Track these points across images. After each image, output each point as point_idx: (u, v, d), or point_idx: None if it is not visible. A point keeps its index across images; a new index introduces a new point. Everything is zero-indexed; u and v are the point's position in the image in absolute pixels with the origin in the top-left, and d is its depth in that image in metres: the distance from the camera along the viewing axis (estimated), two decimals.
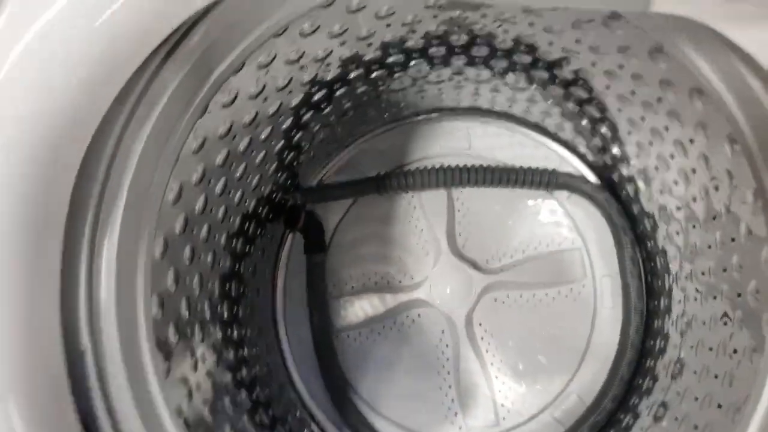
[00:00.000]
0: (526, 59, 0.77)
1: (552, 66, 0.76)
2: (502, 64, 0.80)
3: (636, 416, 0.84)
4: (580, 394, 0.95)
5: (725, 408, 0.60)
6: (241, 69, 0.58)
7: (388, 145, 1.03)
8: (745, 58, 0.47)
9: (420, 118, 1.02)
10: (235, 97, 0.62)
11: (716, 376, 0.65)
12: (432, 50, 0.78)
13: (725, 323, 0.66)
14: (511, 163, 0.98)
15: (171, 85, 0.48)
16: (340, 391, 0.95)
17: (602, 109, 0.79)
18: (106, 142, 0.46)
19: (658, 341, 0.87)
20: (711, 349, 0.69)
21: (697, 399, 0.68)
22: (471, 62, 0.81)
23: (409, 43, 0.75)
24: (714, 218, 0.66)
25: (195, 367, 0.66)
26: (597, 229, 0.98)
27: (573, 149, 0.99)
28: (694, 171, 0.66)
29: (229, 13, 0.49)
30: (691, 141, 0.64)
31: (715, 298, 0.69)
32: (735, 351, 0.61)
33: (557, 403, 0.95)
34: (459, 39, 0.74)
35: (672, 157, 0.70)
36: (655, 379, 0.84)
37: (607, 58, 0.67)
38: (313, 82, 0.75)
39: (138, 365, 0.50)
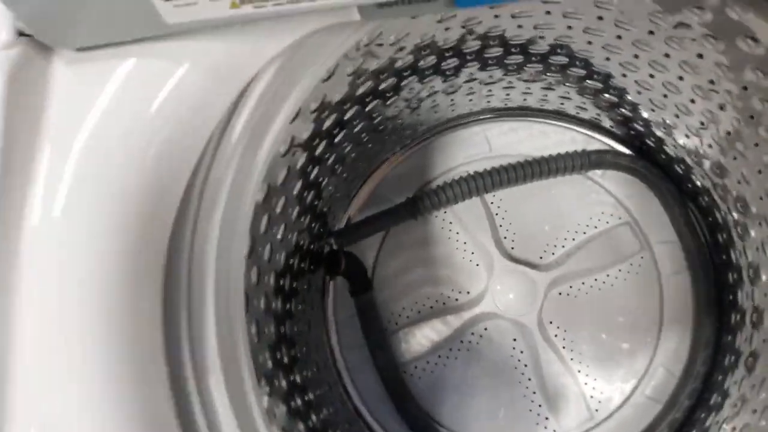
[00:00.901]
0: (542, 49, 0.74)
1: (565, 49, 0.74)
2: (517, 59, 0.77)
3: (730, 372, 0.81)
4: (666, 366, 0.91)
5: None
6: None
7: (408, 168, 1.00)
8: None
9: (435, 133, 0.99)
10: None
11: None
12: (444, 63, 0.75)
13: None
14: (537, 155, 0.95)
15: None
16: (420, 426, 0.91)
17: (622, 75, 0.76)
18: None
19: (733, 295, 0.84)
20: None
21: None
22: (484, 66, 0.78)
23: (421, 63, 0.72)
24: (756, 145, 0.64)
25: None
26: (641, 199, 0.95)
27: (597, 126, 0.96)
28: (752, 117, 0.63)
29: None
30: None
31: None
32: None
33: (646, 381, 0.91)
34: (472, 45, 0.71)
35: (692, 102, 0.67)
36: (737, 329, 0.81)
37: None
38: (322, 105, 0.71)
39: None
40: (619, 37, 0.67)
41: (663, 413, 0.89)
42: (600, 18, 0.65)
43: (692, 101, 0.70)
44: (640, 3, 0.59)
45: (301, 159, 0.74)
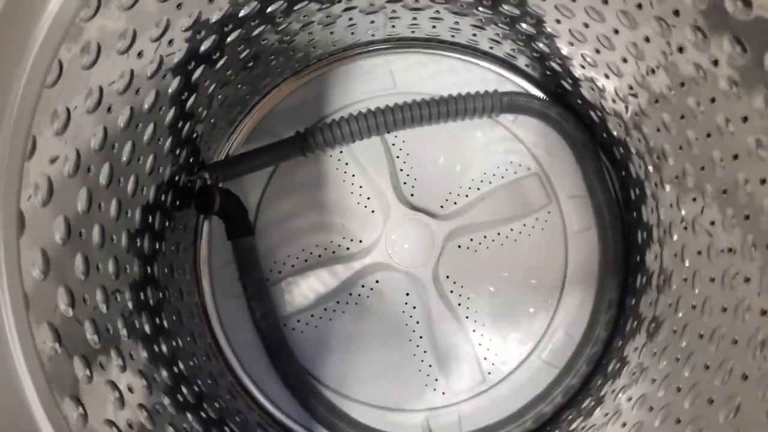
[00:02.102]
0: None
1: None
2: None
3: (631, 338, 0.77)
4: (566, 329, 0.86)
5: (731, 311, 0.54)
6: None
7: (301, 100, 0.90)
8: None
9: (333, 61, 0.89)
10: (98, 54, 0.47)
11: (712, 280, 0.59)
12: None
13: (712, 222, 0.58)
14: (445, 94, 0.86)
15: None
16: (301, 386, 0.83)
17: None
18: None
19: (641, 255, 0.79)
20: (699, 252, 0.62)
21: (694, 307, 0.62)
22: None
23: None
24: (682, 84, 0.57)
25: (122, 404, 0.52)
26: (552, 149, 0.89)
27: (511, 65, 0.88)
28: (681, 50, 0.56)
29: None
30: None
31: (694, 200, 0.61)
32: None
33: (544, 344, 0.87)
34: None
35: (647, 40, 0.59)
36: (642, 292, 0.77)
37: None
38: (197, 24, 0.59)
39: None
40: None
41: (559, 378, 0.84)
42: None
43: (616, 31, 0.62)
44: None
45: (173, 84, 0.62)
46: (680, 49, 0.55)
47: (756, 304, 0.51)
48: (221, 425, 0.71)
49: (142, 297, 0.64)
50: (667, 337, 0.68)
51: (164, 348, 0.67)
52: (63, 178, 0.47)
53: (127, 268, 0.61)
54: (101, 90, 0.50)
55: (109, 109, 0.52)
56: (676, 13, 0.52)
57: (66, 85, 0.44)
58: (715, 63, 0.50)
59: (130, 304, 0.60)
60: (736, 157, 0.52)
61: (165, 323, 0.69)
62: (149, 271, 0.67)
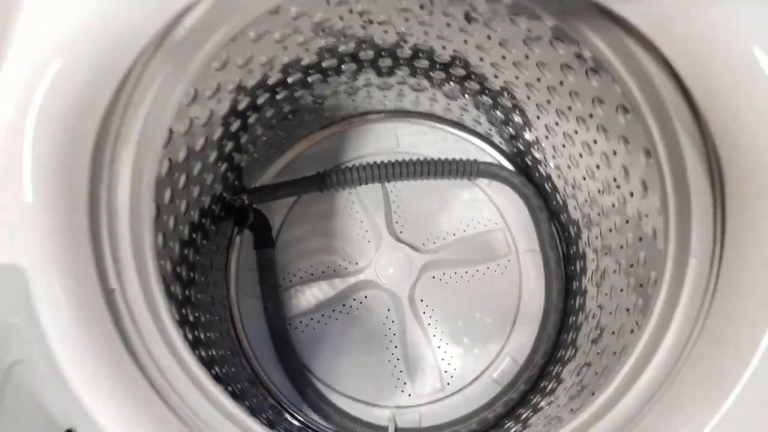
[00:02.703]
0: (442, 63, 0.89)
1: (466, 65, 0.89)
2: (424, 65, 0.92)
3: (564, 365, 0.96)
4: (513, 356, 1.06)
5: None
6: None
7: (324, 149, 1.13)
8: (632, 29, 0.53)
9: (353, 121, 1.13)
10: (195, 97, 0.71)
11: (628, 311, 0.77)
12: (361, 54, 0.89)
13: (631, 265, 0.78)
14: (436, 157, 1.10)
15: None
16: (297, 373, 1.02)
17: (512, 97, 0.91)
18: None
19: (578, 299, 1.00)
20: (622, 290, 0.81)
21: (613, 333, 0.80)
22: (396, 66, 0.92)
23: (341, 48, 0.86)
24: (614, 180, 0.79)
25: None
26: (517, 210, 1.10)
27: (489, 141, 1.12)
28: (595, 141, 0.79)
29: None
30: (591, 116, 0.77)
31: (621, 247, 0.82)
32: (641, 285, 0.73)
33: (494, 366, 1.06)
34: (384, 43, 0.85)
35: (576, 132, 0.83)
36: (578, 330, 0.96)
37: (515, 50, 0.79)
38: (258, 85, 0.84)
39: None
40: (503, 57, 0.82)
41: (502, 393, 1.04)
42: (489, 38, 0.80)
43: (557, 123, 0.86)
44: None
45: (234, 125, 0.86)
46: (614, 153, 0.77)
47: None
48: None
49: (191, 275, 0.85)
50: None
51: (191, 316, 0.87)
52: (160, 177, 0.70)
53: (184, 252, 0.83)
54: (192, 121, 0.74)
55: (192, 135, 0.76)
56: (625, 140, 0.76)
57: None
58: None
59: (184, 277, 0.82)
60: (640, 239, 0.72)
61: (193, 296, 0.89)
62: (196, 257, 0.89)
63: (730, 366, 0.46)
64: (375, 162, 1.07)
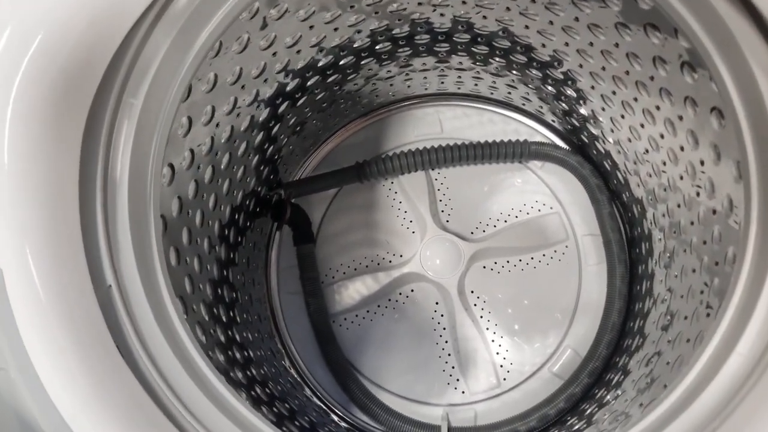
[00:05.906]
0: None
1: (510, 35, 0.82)
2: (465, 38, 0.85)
3: (631, 356, 0.88)
4: (574, 347, 0.98)
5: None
6: (218, 52, 0.63)
7: (363, 138, 1.08)
8: None
9: (392, 108, 1.07)
10: (215, 84, 0.66)
11: (701, 293, 0.68)
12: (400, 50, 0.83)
13: (704, 242, 0.70)
14: (483, 140, 1.03)
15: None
16: (342, 372, 0.98)
17: (563, 67, 0.84)
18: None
19: (644, 283, 0.91)
20: (694, 270, 0.73)
21: (686, 318, 0.72)
22: (434, 43, 0.86)
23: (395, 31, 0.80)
24: (681, 148, 0.71)
25: None
26: (572, 192, 1.03)
27: (540, 119, 1.04)
28: (658, 108, 0.71)
29: None
30: (652, 78, 0.68)
31: (692, 223, 0.73)
32: (716, 263, 0.65)
33: (554, 359, 0.98)
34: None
35: (635, 100, 0.75)
36: (646, 317, 0.88)
37: (563, 14, 0.72)
38: (286, 70, 0.79)
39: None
40: (550, 22, 0.74)
41: (563, 388, 0.96)
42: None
43: (614, 92, 0.78)
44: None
45: (263, 113, 0.82)
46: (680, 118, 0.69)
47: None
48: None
49: (224, 273, 0.81)
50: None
51: (237, 317, 0.83)
52: (181, 170, 0.66)
53: (216, 249, 0.79)
54: (213, 110, 0.70)
55: (217, 125, 0.72)
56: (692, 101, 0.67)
57: (191, 103, 0.63)
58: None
59: (215, 275, 0.78)
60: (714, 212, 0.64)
61: (239, 299, 0.86)
62: (231, 256, 0.85)
63: None
64: (418, 149, 1.01)
